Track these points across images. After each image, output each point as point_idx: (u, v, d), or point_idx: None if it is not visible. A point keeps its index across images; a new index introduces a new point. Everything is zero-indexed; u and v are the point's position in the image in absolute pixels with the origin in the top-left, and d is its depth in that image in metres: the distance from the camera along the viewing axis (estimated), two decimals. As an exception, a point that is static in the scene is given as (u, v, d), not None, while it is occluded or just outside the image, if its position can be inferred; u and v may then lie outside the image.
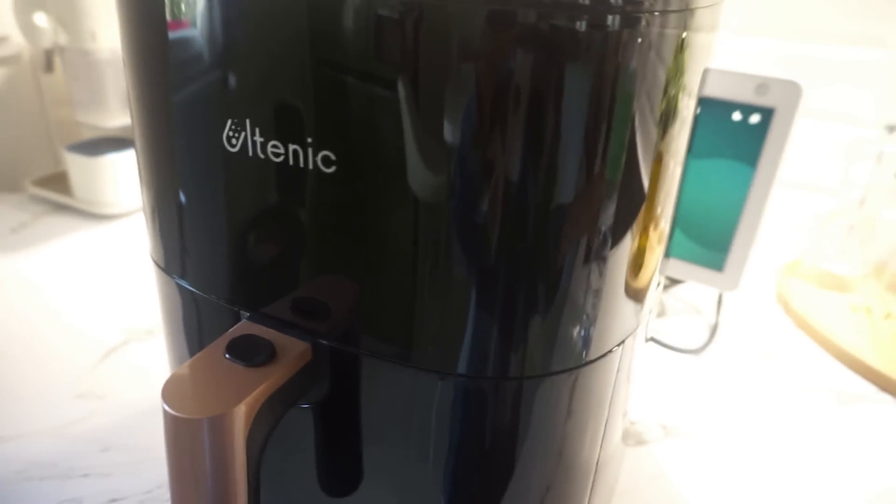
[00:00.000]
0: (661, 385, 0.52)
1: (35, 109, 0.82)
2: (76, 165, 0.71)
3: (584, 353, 0.27)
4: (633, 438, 0.46)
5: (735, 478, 0.43)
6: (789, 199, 0.72)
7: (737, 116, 0.50)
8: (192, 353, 0.32)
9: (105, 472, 0.40)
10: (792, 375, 0.54)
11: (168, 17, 0.24)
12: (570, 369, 0.27)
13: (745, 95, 0.49)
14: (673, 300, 0.64)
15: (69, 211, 0.75)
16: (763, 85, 0.48)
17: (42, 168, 0.84)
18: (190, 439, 0.23)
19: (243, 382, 0.24)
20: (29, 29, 0.66)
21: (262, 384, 0.24)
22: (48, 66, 0.70)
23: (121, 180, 0.72)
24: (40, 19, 0.64)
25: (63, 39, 0.66)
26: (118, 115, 0.71)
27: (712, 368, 0.54)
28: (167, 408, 0.22)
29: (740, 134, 0.50)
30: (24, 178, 0.80)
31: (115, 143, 0.74)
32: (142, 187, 0.30)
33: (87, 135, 0.78)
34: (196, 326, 0.31)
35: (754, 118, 0.49)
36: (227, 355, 0.25)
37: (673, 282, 0.63)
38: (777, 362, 0.56)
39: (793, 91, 0.47)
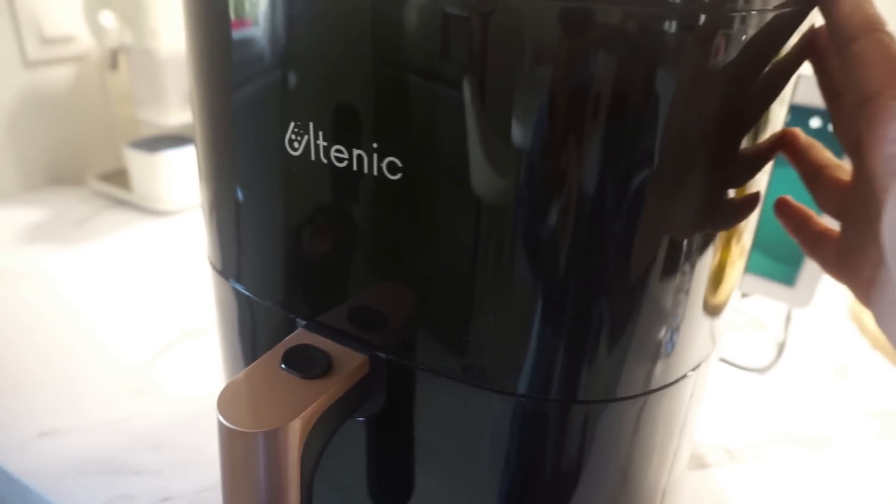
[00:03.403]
0: (724, 405, 0.49)
1: (99, 107, 0.84)
2: (136, 162, 0.73)
3: (655, 378, 0.25)
4: (694, 461, 0.43)
5: (805, 509, 0.40)
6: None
7: (815, 123, 0.47)
8: (245, 357, 0.32)
9: (157, 469, 0.41)
10: (866, 398, 0.51)
11: (232, 15, 0.23)
12: (639, 395, 0.25)
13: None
14: (737, 315, 0.61)
15: (128, 206, 0.77)
16: (846, 90, 0.45)
17: (105, 164, 0.86)
18: (244, 452, 0.22)
19: (299, 395, 0.23)
20: (96, 28, 0.67)
21: (319, 398, 0.23)
22: (113, 64, 0.72)
23: (178, 177, 0.73)
24: (107, 19, 0.66)
25: (128, 38, 0.67)
26: (177, 112, 0.72)
27: (779, 388, 0.51)
28: (223, 420, 0.22)
29: (818, 141, 0.47)
30: (87, 173, 0.82)
31: (173, 140, 0.75)
32: (201, 189, 0.30)
33: (148, 132, 0.79)
34: (251, 331, 0.31)
35: (834, 125, 0.46)
36: (283, 366, 0.24)
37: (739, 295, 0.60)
38: (850, 384, 0.52)
39: (879, 96, 0.44)
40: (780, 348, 0.54)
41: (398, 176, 0.21)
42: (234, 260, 0.29)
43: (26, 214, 0.74)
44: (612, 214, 0.21)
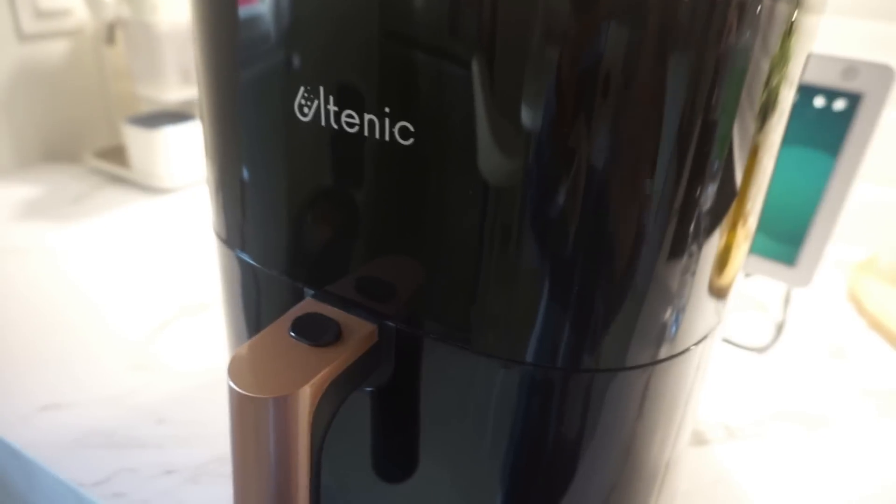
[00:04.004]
0: (724, 383, 0.49)
1: (95, 83, 0.83)
2: (134, 138, 0.72)
3: (662, 348, 0.25)
4: (695, 438, 0.44)
5: (799, 483, 0.41)
6: (864, 192, 0.68)
7: (819, 102, 0.47)
8: (251, 329, 0.31)
9: (159, 443, 0.41)
10: (863, 378, 0.51)
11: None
12: (646, 365, 0.25)
13: (831, 79, 0.46)
14: (737, 296, 0.61)
15: (126, 183, 0.76)
16: (851, 68, 0.45)
17: (101, 140, 0.85)
18: (255, 418, 0.22)
19: (309, 362, 0.23)
20: (93, 1, 0.66)
21: (328, 365, 0.23)
22: (110, 38, 0.71)
23: (177, 154, 0.73)
24: (104, -9, 0.65)
25: (125, 12, 0.66)
26: (176, 88, 0.71)
27: (778, 368, 0.52)
28: (233, 385, 0.22)
29: (822, 121, 0.47)
30: (83, 149, 0.81)
31: (172, 116, 0.74)
32: (207, 159, 0.30)
33: (145, 108, 0.78)
34: (257, 302, 0.30)
35: (839, 104, 0.46)
36: (292, 333, 0.24)
37: (736, 276, 0.60)
38: (847, 364, 0.53)
39: (884, 75, 0.44)
40: (779, 328, 0.55)
41: (410, 141, 0.21)
42: (240, 230, 0.29)
43: (22, 191, 0.74)
44: (620, 189, 0.20)
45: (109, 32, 0.70)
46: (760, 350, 0.53)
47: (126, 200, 0.72)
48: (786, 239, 0.50)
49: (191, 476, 0.39)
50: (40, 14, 0.74)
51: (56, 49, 0.78)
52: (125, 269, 0.60)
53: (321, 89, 0.22)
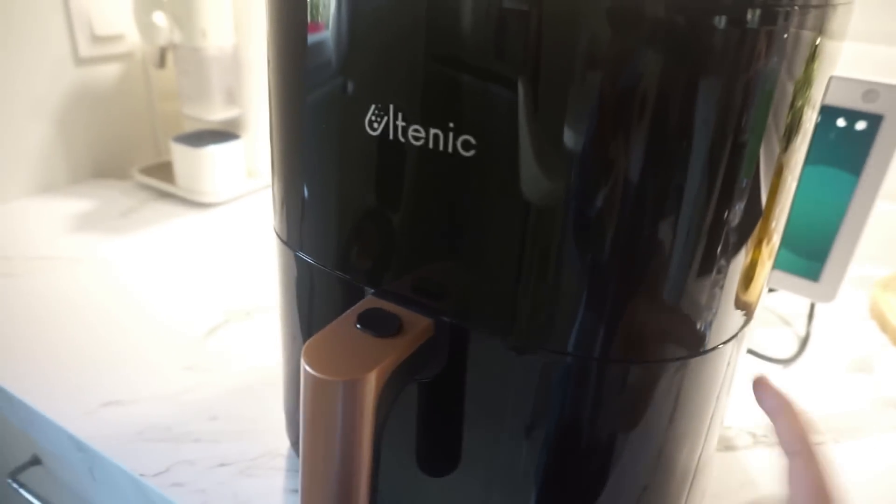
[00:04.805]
0: (750, 393, 0.51)
1: (143, 103, 0.88)
2: (180, 155, 0.76)
3: (697, 343, 0.27)
4: (722, 443, 0.45)
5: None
6: (886, 211, 0.69)
7: (841, 123, 0.49)
8: (306, 326, 0.34)
9: (213, 438, 0.43)
10: (888, 391, 0.52)
11: (311, 13, 0.26)
12: (682, 358, 0.27)
13: (852, 101, 0.48)
14: (760, 310, 0.62)
15: (172, 198, 0.80)
16: (872, 91, 0.47)
17: (148, 157, 0.90)
18: (326, 399, 0.25)
19: (374, 352, 0.26)
20: (147, 28, 0.71)
21: (391, 354, 0.26)
22: (161, 62, 0.75)
23: (220, 170, 0.77)
24: (159, 18, 0.69)
25: (177, 37, 0.71)
26: (220, 108, 0.75)
27: (802, 380, 0.53)
28: (308, 369, 0.24)
29: (844, 141, 0.49)
30: (131, 166, 0.85)
31: (215, 135, 0.78)
32: (274, 167, 0.32)
33: (189, 127, 0.83)
34: (312, 300, 0.33)
35: (860, 125, 0.48)
36: (358, 326, 0.26)
37: (761, 291, 0.61)
38: (872, 378, 0.54)
39: (904, 98, 0.45)
40: (804, 342, 0.56)
41: (471, 153, 0.24)
42: (303, 232, 0.31)
43: (75, 205, 0.78)
44: (654, 199, 0.23)
45: (161, 56, 0.74)
46: (785, 362, 0.54)
47: (172, 214, 0.76)
48: (810, 255, 0.52)
49: (244, 468, 0.41)
50: (96, 39, 0.79)
51: (108, 72, 0.82)
52: (173, 278, 0.63)
53: (391, 107, 0.25)
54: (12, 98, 0.74)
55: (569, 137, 0.22)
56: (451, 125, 0.24)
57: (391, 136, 0.25)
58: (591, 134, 0.22)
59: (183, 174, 0.77)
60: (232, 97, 0.77)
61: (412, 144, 0.25)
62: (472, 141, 0.24)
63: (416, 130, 0.25)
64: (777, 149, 0.24)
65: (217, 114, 0.75)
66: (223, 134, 0.78)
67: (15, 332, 0.53)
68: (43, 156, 0.79)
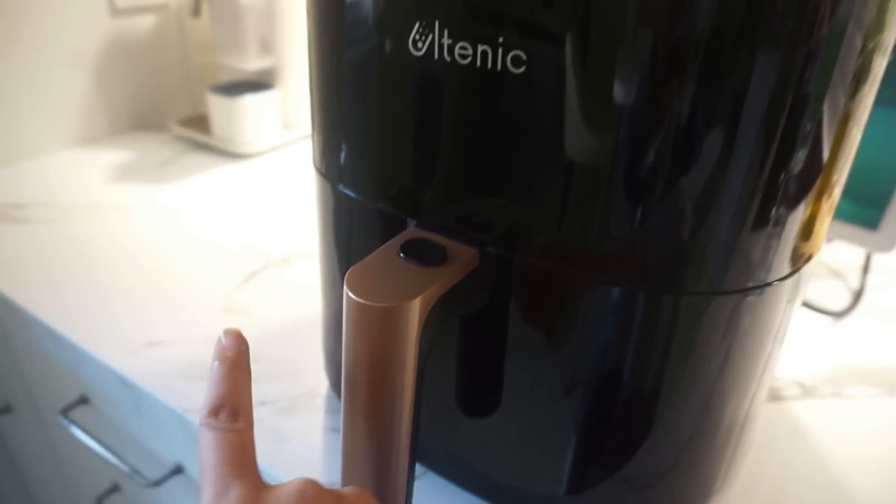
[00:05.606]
0: (800, 345, 0.49)
1: (178, 54, 0.87)
2: (216, 106, 0.76)
3: (759, 274, 0.25)
4: (770, 394, 0.44)
5: (878, 442, 0.41)
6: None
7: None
8: (347, 264, 0.33)
9: (254, 378, 0.43)
10: (947, 347, 0.50)
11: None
12: (742, 291, 0.26)
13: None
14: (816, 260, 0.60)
15: (208, 149, 0.80)
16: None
17: (182, 110, 0.90)
18: (369, 326, 0.24)
19: (418, 280, 0.25)
20: (181, -26, 0.70)
21: (435, 283, 0.25)
22: (196, 11, 0.74)
23: (256, 120, 0.76)
24: (193, -37, 0.68)
25: (211, -16, 0.70)
26: (255, 58, 0.75)
27: (856, 333, 0.51)
28: (351, 295, 0.24)
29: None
30: (168, 118, 0.85)
31: (251, 85, 0.78)
32: (313, 99, 0.31)
33: (225, 77, 0.82)
34: (358, 238, 0.32)
35: (931, 62, 0.45)
36: (402, 254, 0.26)
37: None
38: (929, 332, 0.51)
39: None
40: (858, 294, 0.54)
41: (521, 69, 0.22)
42: (343, 165, 0.31)
43: (114, 156, 0.79)
44: (719, 118, 0.21)
45: (196, 6, 0.74)
46: (838, 315, 0.52)
47: (209, 165, 0.76)
48: (869, 202, 0.49)
49: (284, 407, 0.41)
50: (131, -11, 0.78)
51: (143, 23, 0.82)
52: (212, 227, 0.63)
53: (436, 23, 0.24)
54: (51, 50, 0.75)
55: (626, 52, 0.21)
56: (501, 40, 0.22)
57: (436, 56, 0.24)
58: (646, 53, 0.21)
59: (219, 124, 0.77)
60: (267, 46, 0.76)
61: (458, 63, 0.24)
62: (523, 56, 0.22)
63: (462, 48, 0.23)
64: (843, 99, 0.22)
65: (252, 63, 0.75)
66: (258, 84, 0.78)
67: (60, 276, 0.54)
68: (82, 108, 0.80)
